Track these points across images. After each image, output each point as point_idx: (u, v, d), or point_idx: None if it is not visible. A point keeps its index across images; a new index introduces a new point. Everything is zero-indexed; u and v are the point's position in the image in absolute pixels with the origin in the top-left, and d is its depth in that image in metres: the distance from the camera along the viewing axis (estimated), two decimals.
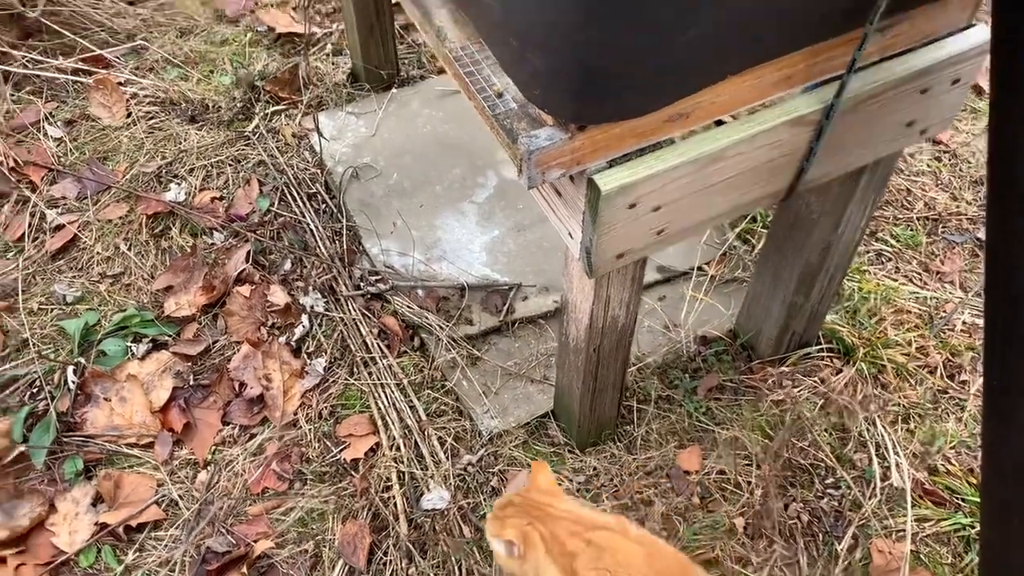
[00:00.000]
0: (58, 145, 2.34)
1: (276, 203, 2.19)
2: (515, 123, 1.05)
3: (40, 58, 2.51)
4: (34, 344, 1.90)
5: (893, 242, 2.14)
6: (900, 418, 1.78)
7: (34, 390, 1.83)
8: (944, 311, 1.98)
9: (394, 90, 2.49)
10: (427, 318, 1.93)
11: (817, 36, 1.08)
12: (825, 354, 1.86)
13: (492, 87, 1.10)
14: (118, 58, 2.57)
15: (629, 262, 1.23)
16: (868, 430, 1.74)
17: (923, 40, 1.21)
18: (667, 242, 1.22)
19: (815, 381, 1.81)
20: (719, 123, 1.15)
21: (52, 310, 1.98)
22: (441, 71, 2.55)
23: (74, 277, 2.05)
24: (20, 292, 2.00)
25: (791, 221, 1.57)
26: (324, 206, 2.19)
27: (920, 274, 2.08)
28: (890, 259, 2.11)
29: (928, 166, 2.36)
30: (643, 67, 0.95)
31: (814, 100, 1.15)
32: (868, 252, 2.11)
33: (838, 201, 1.46)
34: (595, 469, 1.69)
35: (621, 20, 0.88)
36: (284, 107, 2.44)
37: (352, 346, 1.90)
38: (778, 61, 1.07)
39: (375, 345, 1.89)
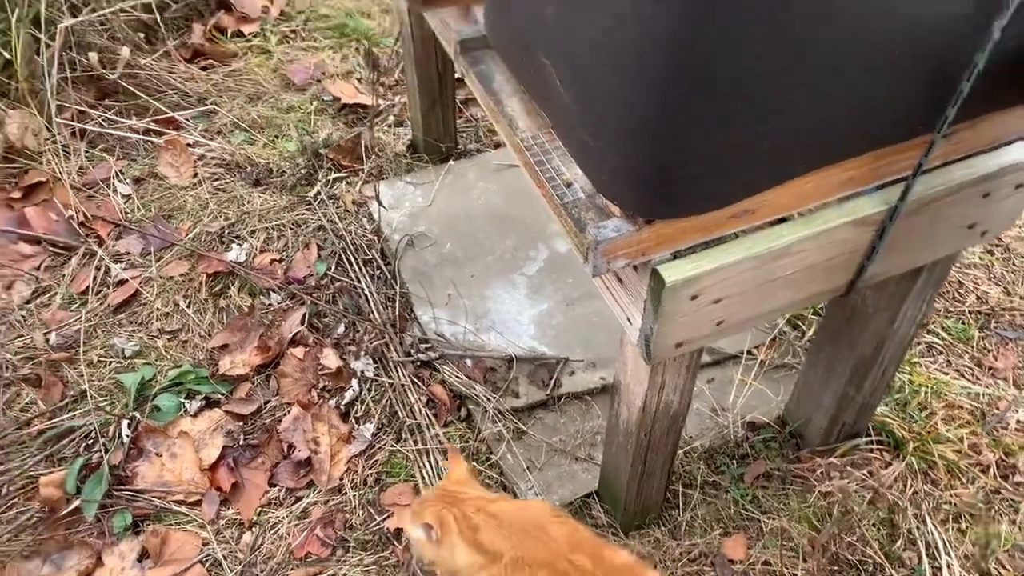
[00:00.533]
0: (126, 201, 2.42)
1: (333, 268, 2.24)
2: (583, 213, 1.08)
3: (115, 118, 2.63)
4: (91, 396, 1.95)
5: (944, 335, 2.13)
6: (951, 516, 1.75)
7: (89, 441, 1.86)
8: (997, 408, 1.95)
9: (451, 162, 2.55)
10: (475, 389, 1.95)
11: (883, 142, 1.10)
12: (875, 446, 1.84)
13: (561, 176, 1.13)
14: (188, 120, 2.67)
15: (687, 351, 1.24)
16: (918, 528, 1.71)
17: (987, 146, 1.23)
18: (725, 333, 1.23)
19: (864, 474, 1.79)
20: (781, 219, 1.17)
21: (110, 363, 2.03)
22: (498, 145, 2.61)
23: (133, 331, 2.10)
24: (81, 344, 2.06)
25: (847, 315, 1.57)
26: (379, 272, 2.24)
27: (972, 369, 2.06)
28: (941, 352, 2.09)
29: (980, 259, 2.35)
30: (716, 167, 0.97)
31: (878, 201, 1.17)
32: (919, 344, 2.10)
33: (895, 297, 1.46)
34: (639, 554, 1.68)
35: (698, 122, 0.91)
36: (345, 174, 2.51)
37: (400, 413, 1.92)
38: (844, 164, 1.10)
39: (423, 413, 1.91)
